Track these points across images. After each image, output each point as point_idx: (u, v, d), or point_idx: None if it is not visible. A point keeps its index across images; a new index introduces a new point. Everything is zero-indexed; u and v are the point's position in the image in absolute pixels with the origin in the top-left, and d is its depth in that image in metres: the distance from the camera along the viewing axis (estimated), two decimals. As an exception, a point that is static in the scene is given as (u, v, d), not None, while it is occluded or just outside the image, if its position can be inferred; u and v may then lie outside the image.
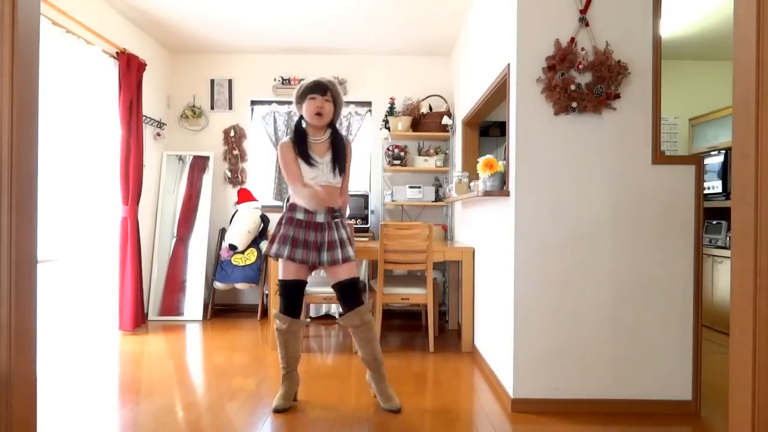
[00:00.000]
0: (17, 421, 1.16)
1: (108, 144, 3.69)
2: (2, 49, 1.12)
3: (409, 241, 3.31)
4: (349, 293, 2.36)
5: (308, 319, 2.44)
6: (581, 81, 2.30)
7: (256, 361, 3.12)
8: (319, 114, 2.31)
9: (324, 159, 2.36)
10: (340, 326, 3.94)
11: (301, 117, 2.39)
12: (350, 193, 4.36)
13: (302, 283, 2.39)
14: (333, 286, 2.39)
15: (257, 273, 4.39)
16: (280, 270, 2.38)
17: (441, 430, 2.13)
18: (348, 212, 2.53)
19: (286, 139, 2.40)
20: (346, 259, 2.34)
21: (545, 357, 2.34)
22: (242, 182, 4.77)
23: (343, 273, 2.36)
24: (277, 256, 2.33)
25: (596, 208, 2.33)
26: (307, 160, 2.32)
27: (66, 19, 3.15)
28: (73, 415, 2.24)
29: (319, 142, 2.38)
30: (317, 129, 2.38)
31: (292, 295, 2.36)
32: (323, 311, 4.43)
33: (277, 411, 2.30)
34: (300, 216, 2.36)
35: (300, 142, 2.35)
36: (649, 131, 2.32)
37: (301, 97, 2.35)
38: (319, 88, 2.31)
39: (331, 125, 2.42)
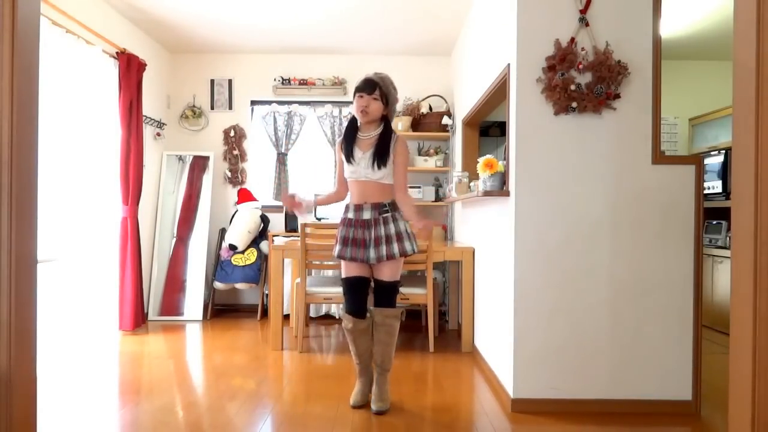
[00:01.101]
0: (17, 421, 1.16)
1: (108, 144, 3.69)
2: (2, 49, 1.12)
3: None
4: (383, 294, 2.41)
5: (372, 315, 2.42)
6: (581, 81, 2.30)
7: (256, 361, 3.12)
8: (362, 112, 2.33)
9: (366, 154, 2.35)
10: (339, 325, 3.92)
11: None
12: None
13: (363, 280, 2.40)
14: (373, 282, 2.43)
15: (257, 273, 4.39)
16: (342, 269, 2.45)
17: (441, 430, 2.13)
18: (409, 208, 2.44)
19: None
20: (392, 256, 2.31)
21: (545, 357, 2.34)
22: (242, 182, 4.77)
23: (385, 274, 2.38)
24: (336, 256, 2.41)
25: (596, 208, 2.33)
26: (347, 156, 2.37)
27: (66, 19, 3.15)
28: (73, 415, 2.24)
29: (366, 138, 2.38)
30: (367, 125, 2.39)
31: (353, 292, 2.39)
32: (323, 311, 4.43)
33: (355, 407, 2.36)
34: (350, 215, 2.40)
35: (348, 138, 2.40)
36: (649, 131, 2.32)
37: (354, 94, 2.38)
38: (368, 86, 2.32)
39: (384, 120, 2.41)
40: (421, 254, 3.30)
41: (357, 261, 2.36)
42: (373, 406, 2.33)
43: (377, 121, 2.38)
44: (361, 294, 2.39)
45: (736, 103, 0.95)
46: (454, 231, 4.40)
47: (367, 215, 2.36)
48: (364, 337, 2.40)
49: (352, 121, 2.44)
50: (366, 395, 2.41)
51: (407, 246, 2.35)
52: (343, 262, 2.43)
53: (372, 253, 2.33)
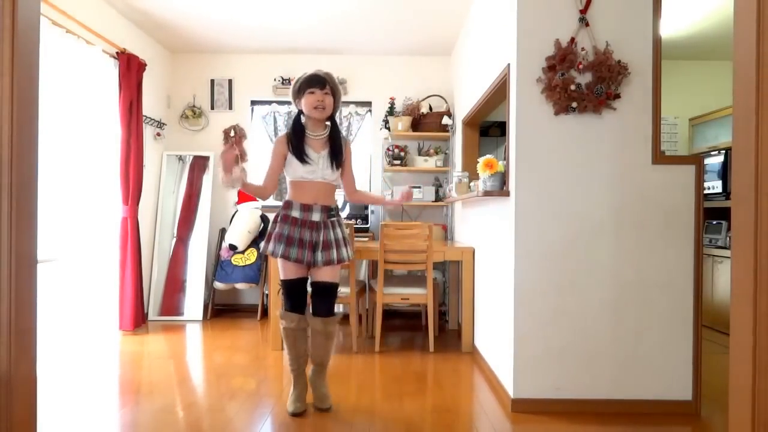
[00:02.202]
0: (17, 421, 1.16)
1: (108, 144, 3.69)
2: (2, 49, 1.12)
3: (409, 241, 3.31)
4: (324, 297, 2.36)
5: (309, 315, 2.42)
6: (581, 81, 2.30)
7: (256, 361, 3.12)
8: (319, 107, 2.28)
9: (321, 154, 2.32)
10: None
11: (300, 111, 2.36)
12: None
13: (304, 281, 2.38)
14: (311, 284, 2.39)
15: (257, 273, 4.39)
16: (279, 269, 2.37)
17: (441, 430, 2.13)
18: (374, 197, 2.54)
19: (283, 132, 2.40)
20: (340, 260, 2.33)
21: (545, 357, 2.34)
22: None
23: (325, 275, 2.34)
24: (272, 255, 2.31)
25: (596, 208, 2.33)
26: (300, 156, 2.29)
27: (66, 20, 3.15)
28: (73, 415, 2.24)
29: (317, 137, 2.35)
30: (317, 124, 2.35)
31: (295, 293, 2.36)
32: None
33: (295, 415, 2.26)
34: (295, 214, 2.32)
35: (297, 137, 2.32)
36: (649, 131, 2.32)
37: (299, 92, 2.32)
38: (318, 82, 2.28)
39: (331, 119, 2.40)
40: (421, 254, 3.30)
41: (302, 263, 2.30)
42: (319, 405, 2.32)
43: (324, 120, 2.35)
44: (303, 294, 2.39)
45: (736, 103, 0.95)
46: (454, 231, 4.40)
47: (316, 217, 2.32)
48: (303, 337, 2.39)
49: (298, 120, 2.36)
50: (304, 401, 2.34)
51: (348, 252, 2.38)
52: (283, 262, 2.32)
53: (320, 257, 2.30)
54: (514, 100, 2.39)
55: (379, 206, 4.61)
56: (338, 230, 2.38)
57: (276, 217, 2.37)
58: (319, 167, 2.31)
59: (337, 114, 2.48)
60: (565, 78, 2.28)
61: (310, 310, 2.42)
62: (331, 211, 2.38)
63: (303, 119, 2.37)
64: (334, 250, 2.32)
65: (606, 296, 2.33)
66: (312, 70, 2.34)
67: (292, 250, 2.29)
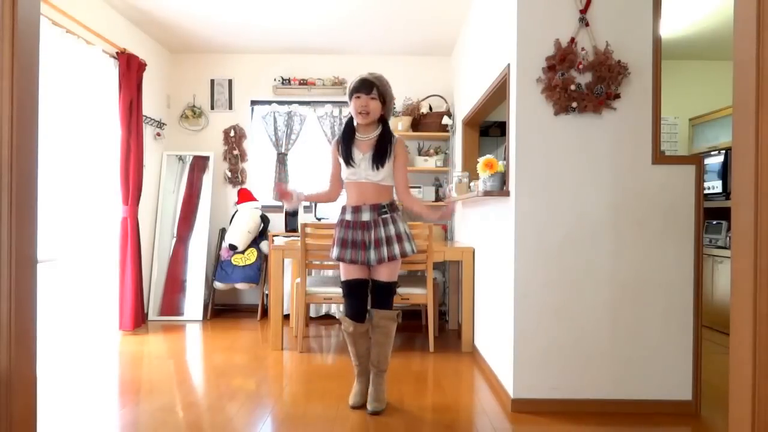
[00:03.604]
0: (17, 421, 1.16)
1: (108, 144, 3.69)
2: (2, 49, 1.12)
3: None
4: (381, 295, 2.39)
5: (370, 317, 2.42)
6: (581, 81, 2.30)
7: (256, 361, 3.12)
8: (362, 113, 2.30)
9: (365, 155, 2.34)
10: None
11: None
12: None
13: (363, 282, 2.39)
14: (371, 282, 2.41)
15: (257, 273, 4.39)
16: (341, 271, 2.42)
17: (441, 430, 2.13)
18: (418, 204, 2.51)
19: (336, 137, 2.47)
20: (393, 257, 2.32)
21: (545, 357, 2.34)
22: (242, 182, 4.77)
23: (383, 274, 2.37)
24: (335, 259, 2.39)
25: (596, 208, 2.33)
26: (346, 159, 2.34)
27: (66, 20, 3.15)
28: (73, 415, 2.24)
29: (366, 139, 2.36)
30: (366, 126, 2.37)
31: (354, 295, 2.38)
32: (323, 311, 4.43)
33: (354, 408, 2.35)
34: (348, 217, 2.38)
35: (346, 139, 2.37)
36: (649, 131, 2.32)
37: (350, 96, 2.35)
38: (365, 87, 2.29)
39: (382, 121, 2.40)
40: (421, 254, 3.30)
41: (357, 263, 2.34)
42: (369, 407, 2.33)
43: (375, 122, 2.37)
44: (362, 296, 2.39)
45: (736, 103, 0.95)
46: (454, 231, 4.40)
47: (366, 217, 2.35)
48: (363, 339, 2.40)
49: (350, 123, 2.41)
50: (365, 396, 2.40)
51: (407, 247, 2.35)
52: (342, 265, 2.40)
53: (372, 255, 2.32)
54: (514, 100, 2.39)
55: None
56: (391, 227, 2.35)
57: (337, 222, 2.43)
58: (361, 168, 2.33)
59: (389, 115, 2.47)
60: (565, 78, 2.28)
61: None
62: (382, 209, 2.36)
63: (354, 122, 2.40)
64: (386, 247, 2.31)
65: (606, 296, 2.33)
66: (365, 72, 2.35)
67: (347, 251, 2.34)
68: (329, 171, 2.50)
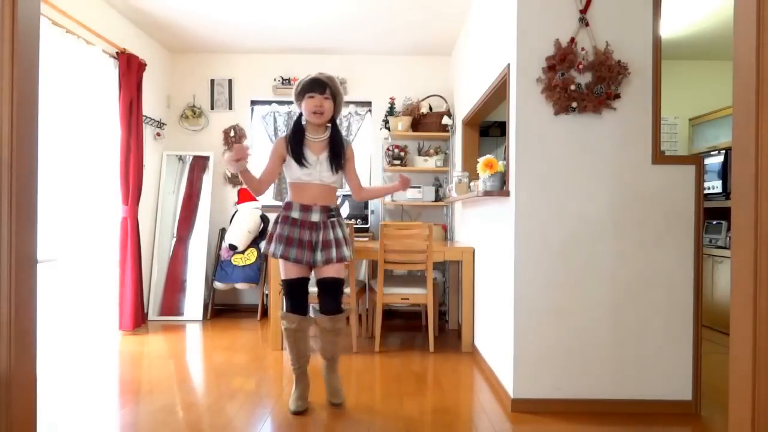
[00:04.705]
0: (17, 421, 1.16)
1: (108, 144, 3.69)
2: (2, 49, 1.12)
3: (409, 241, 3.30)
4: (331, 293, 2.37)
5: (313, 316, 2.43)
6: (581, 81, 2.30)
7: (256, 361, 3.12)
8: (317, 113, 2.29)
9: (320, 157, 2.33)
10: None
11: (301, 114, 2.38)
12: (348, 193, 4.34)
13: (305, 281, 2.38)
14: (317, 282, 2.40)
15: (257, 273, 4.39)
16: (281, 269, 2.37)
17: (441, 430, 2.13)
18: (379, 189, 2.58)
19: (283, 134, 2.42)
20: (340, 259, 2.33)
21: (545, 357, 2.34)
22: (242, 182, 4.77)
23: (330, 271, 2.35)
24: (272, 255, 2.33)
25: (596, 208, 2.33)
26: (299, 159, 2.31)
27: (66, 19, 3.15)
28: (73, 415, 2.24)
29: (317, 140, 2.36)
30: (317, 127, 2.36)
31: (296, 293, 2.36)
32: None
33: (297, 413, 2.28)
34: (295, 215, 2.34)
35: (296, 140, 2.34)
36: (649, 131, 2.32)
37: (300, 95, 2.33)
38: (319, 86, 2.28)
39: (332, 122, 2.40)
40: (421, 254, 3.30)
41: (302, 263, 2.31)
42: (333, 400, 2.35)
43: (323, 123, 2.36)
44: (304, 294, 2.39)
45: (736, 103, 0.95)
46: (454, 231, 4.40)
47: (315, 218, 2.34)
48: (305, 338, 2.40)
49: (298, 123, 2.38)
50: (306, 400, 2.36)
51: (346, 252, 2.37)
52: (284, 263, 2.34)
53: (319, 256, 2.31)
54: (514, 100, 2.39)
55: (380, 206, 4.61)
56: (338, 230, 2.38)
57: (277, 218, 2.38)
58: (316, 170, 2.32)
59: (338, 116, 2.47)
60: (565, 78, 2.28)
61: (318, 310, 2.43)
62: (330, 212, 2.39)
63: (303, 122, 2.38)
64: (334, 249, 2.33)
65: (606, 296, 2.33)
66: (314, 72, 2.34)
67: (292, 250, 2.30)
68: (264, 166, 2.40)
